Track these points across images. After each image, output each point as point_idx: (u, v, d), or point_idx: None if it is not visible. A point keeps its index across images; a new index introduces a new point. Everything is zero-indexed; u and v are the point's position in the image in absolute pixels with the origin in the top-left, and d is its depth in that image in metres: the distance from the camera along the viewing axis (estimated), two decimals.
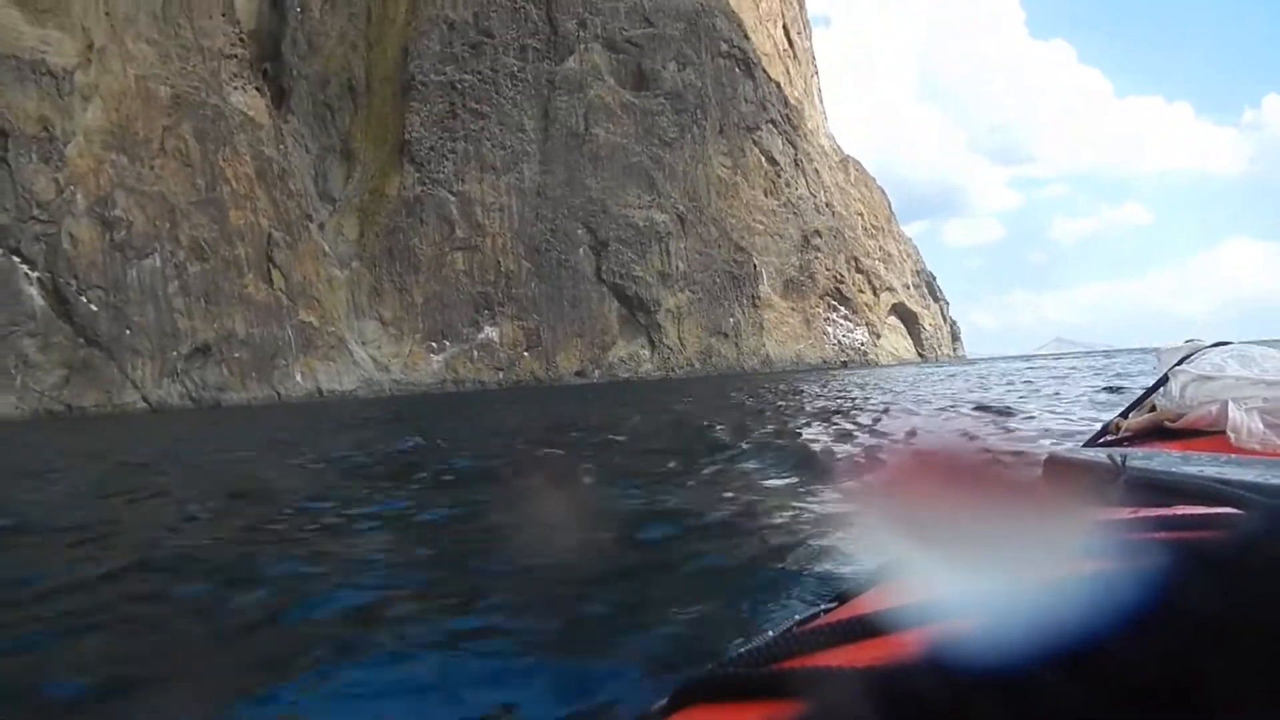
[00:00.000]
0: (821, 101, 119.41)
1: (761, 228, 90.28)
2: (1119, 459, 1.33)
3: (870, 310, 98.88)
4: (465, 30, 78.19)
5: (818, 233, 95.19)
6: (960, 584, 0.37)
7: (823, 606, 0.88)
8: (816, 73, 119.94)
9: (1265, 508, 0.77)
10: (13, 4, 49.04)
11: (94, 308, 49.03)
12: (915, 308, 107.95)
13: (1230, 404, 1.97)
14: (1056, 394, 14.59)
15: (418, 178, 73.41)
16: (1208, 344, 2.45)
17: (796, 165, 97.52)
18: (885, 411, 11.80)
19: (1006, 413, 10.37)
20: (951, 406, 13.34)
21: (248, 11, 71.99)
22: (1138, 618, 0.27)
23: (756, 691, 0.53)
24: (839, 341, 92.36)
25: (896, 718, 0.29)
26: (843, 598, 0.87)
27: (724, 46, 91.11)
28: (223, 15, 64.51)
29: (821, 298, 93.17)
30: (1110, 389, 14.10)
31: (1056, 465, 1.47)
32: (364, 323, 68.61)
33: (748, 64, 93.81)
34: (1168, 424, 2.17)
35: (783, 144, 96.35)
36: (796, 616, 0.88)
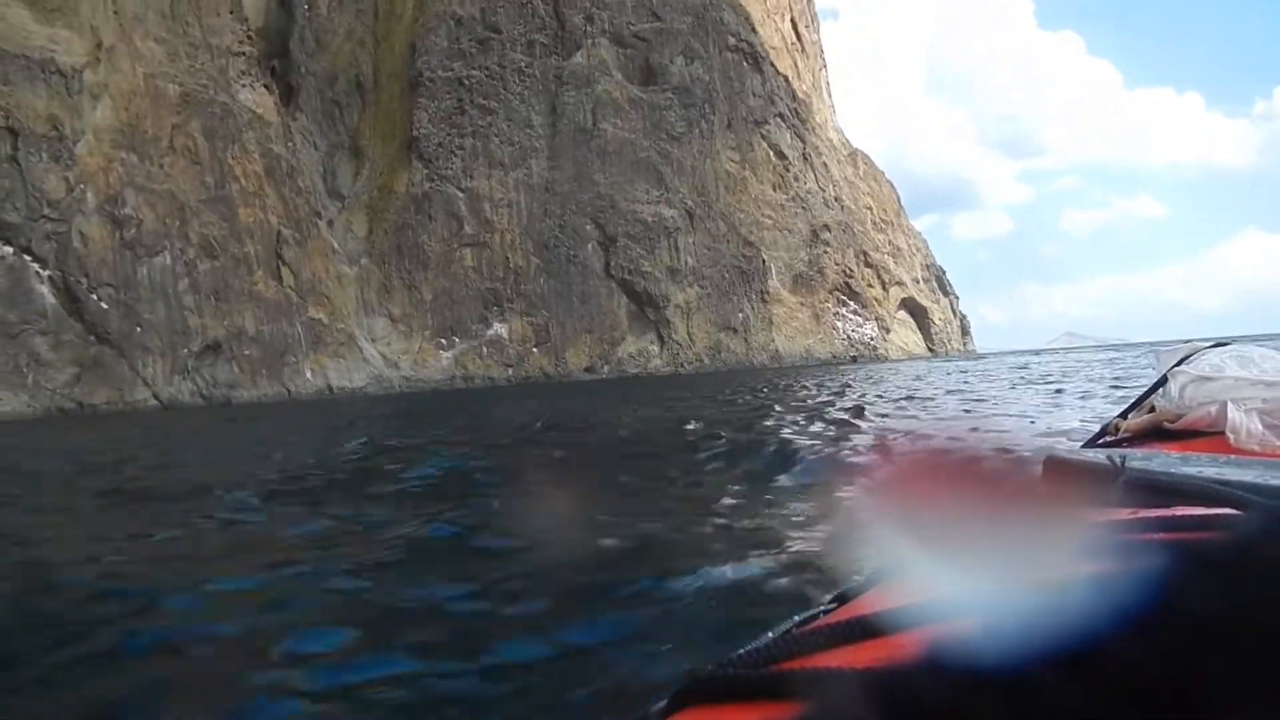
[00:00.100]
0: (830, 95, 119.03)
1: (770, 222, 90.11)
2: (1118, 460, 1.32)
3: (879, 305, 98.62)
4: (473, 26, 78.23)
5: (827, 227, 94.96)
6: (960, 585, 0.37)
7: (822, 607, 0.88)
8: (824, 66, 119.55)
9: (1264, 508, 0.78)
10: (21, 3, 49.27)
11: (105, 306, 49.32)
12: (925, 302, 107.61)
13: (1229, 405, 1.95)
14: (1059, 390, 14.50)
15: (426, 174, 73.55)
16: (1207, 345, 2.43)
17: (805, 159, 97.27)
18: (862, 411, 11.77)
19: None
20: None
21: (255, 9, 72.14)
22: (1137, 618, 0.27)
23: (756, 692, 0.53)
24: (848, 336, 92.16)
25: (896, 719, 0.29)
26: (842, 598, 0.87)
27: (731, 40, 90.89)
28: (230, 13, 64.68)
29: (831, 292, 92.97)
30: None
31: (1055, 466, 1.44)
32: (373, 319, 68.83)
33: (755, 58, 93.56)
34: (1167, 425, 2.15)
35: (791, 138, 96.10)
36: (796, 617, 0.88)
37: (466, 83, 76.63)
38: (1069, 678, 0.26)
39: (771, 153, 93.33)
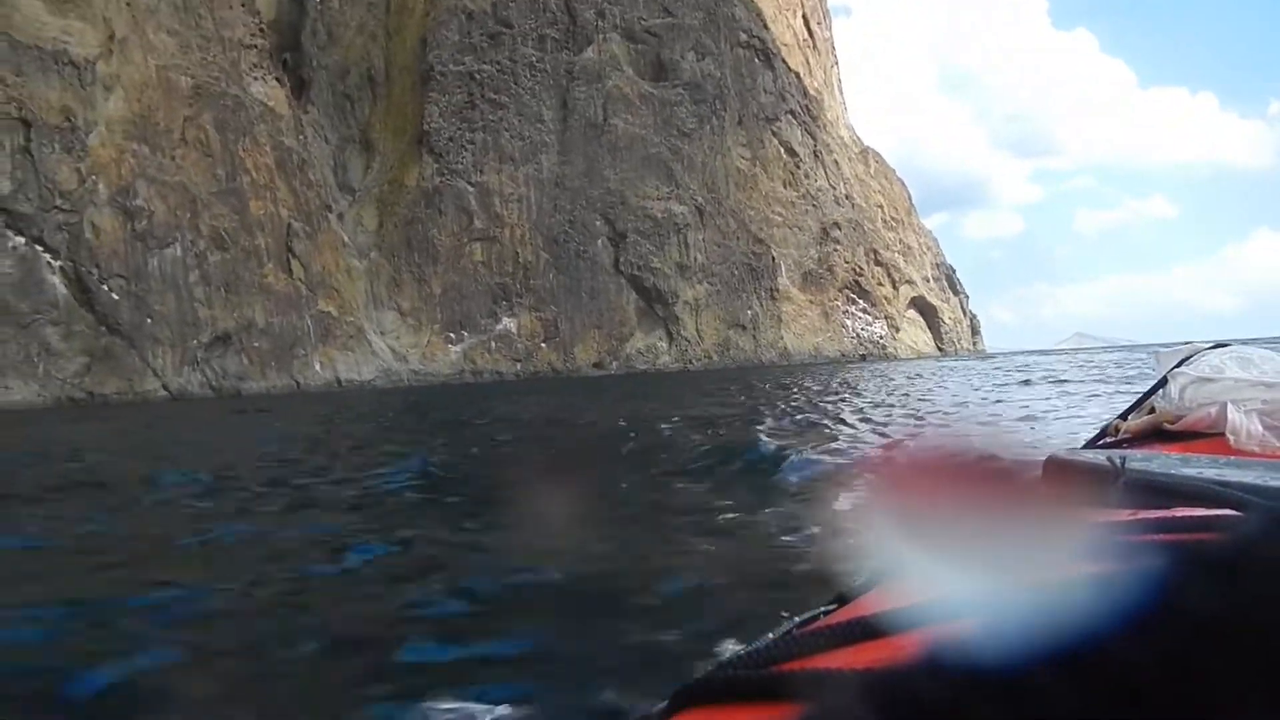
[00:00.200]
0: (841, 92, 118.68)
1: (780, 220, 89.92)
2: (1118, 460, 1.31)
3: (889, 303, 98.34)
4: (484, 20, 78.24)
5: (837, 225, 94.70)
6: (960, 585, 0.37)
7: (822, 608, 0.89)
8: (836, 63, 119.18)
9: (1264, 510, 0.75)
10: None
11: (115, 296, 49.57)
12: (935, 301, 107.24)
13: (1229, 406, 1.93)
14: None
15: (436, 168, 73.65)
16: (1207, 346, 2.41)
17: (816, 157, 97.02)
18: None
19: None
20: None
21: (267, 2, 72.30)
22: (1137, 619, 0.27)
23: (756, 693, 0.53)
24: (857, 335, 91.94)
25: None
26: (842, 599, 0.87)
27: (743, 36, 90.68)
28: (242, 5, 64.87)
29: (840, 290, 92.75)
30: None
31: (1055, 467, 1.45)
32: (382, 313, 69.01)
33: (767, 54, 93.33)
34: (1167, 426, 2.13)
35: (802, 135, 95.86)
36: (796, 618, 0.88)
37: (477, 77, 76.68)
38: (1069, 678, 0.26)
39: (782, 150, 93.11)
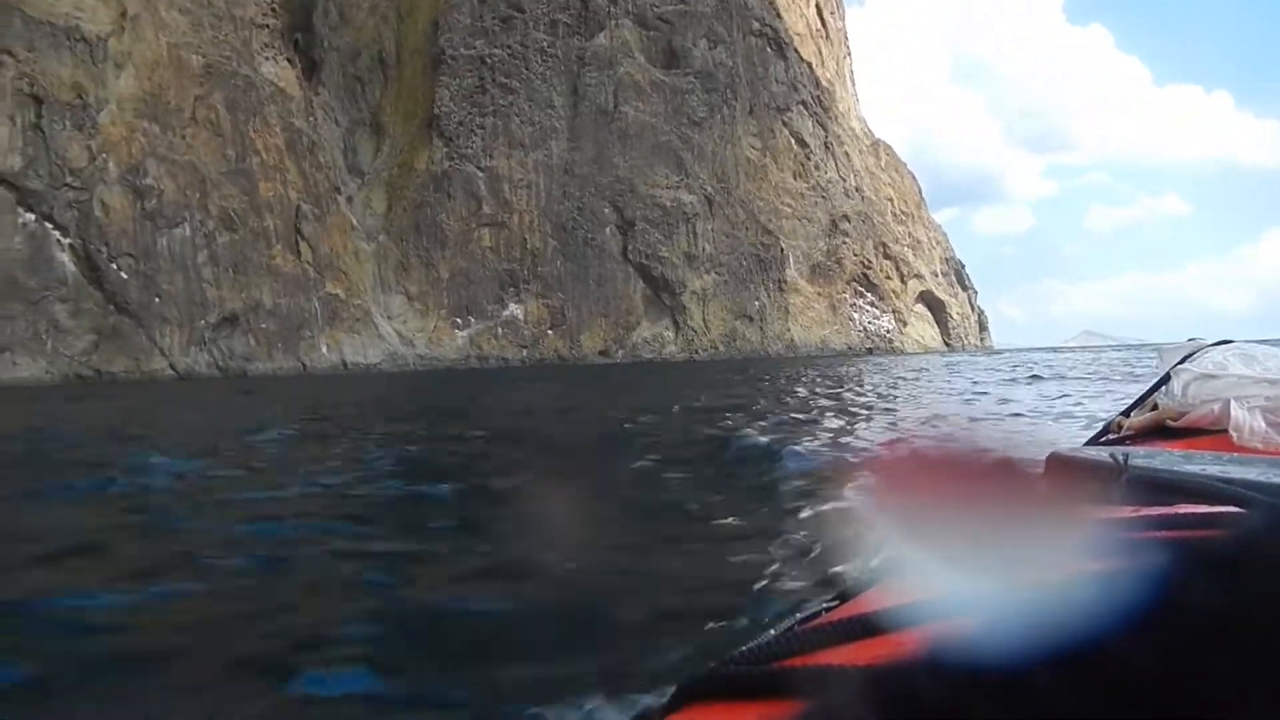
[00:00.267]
0: (853, 83, 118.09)
1: (789, 211, 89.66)
2: (1121, 457, 1.32)
3: (897, 297, 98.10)
4: (496, 4, 77.99)
5: (846, 217, 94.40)
6: (962, 583, 0.37)
7: (824, 605, 0.88)
8: (849, 54, 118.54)
9: (1267, 506, 0.77)
10: None
11: (124, 275, 49.74)
12: (943, 296, 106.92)
13: (1232, 403, 1.93)
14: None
15: (446, 152, 73.57)
16: (1210, 342, 2.40)
17: (827, 148, 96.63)
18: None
19: None
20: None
21: None
22: (1139, 617, 0.27)
23: (758, 690, 0.53)
24: (865, 328, 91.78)
25: (897, 717, 0.29)
26: (844, 596, 0.87)
27: (755, 25, 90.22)
28: None
29: (848, 283, 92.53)
30: None
31: (1058, 464, 1.45)
32: (390, 297, 69.10)
33: (779, 43, 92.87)
34: (1170, 423, 2.14)
35: (813, 126, 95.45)
36: (797, 615, 0.89)
37: (489, 61, 76.47)
38: (1070, 676, 0.26)
39: (793, 140, 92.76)
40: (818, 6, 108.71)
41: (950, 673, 0.29)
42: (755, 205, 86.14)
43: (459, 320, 70.80)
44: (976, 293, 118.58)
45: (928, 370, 28.82)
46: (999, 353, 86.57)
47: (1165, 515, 0.87)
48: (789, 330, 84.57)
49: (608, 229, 77.19)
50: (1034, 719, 0.26)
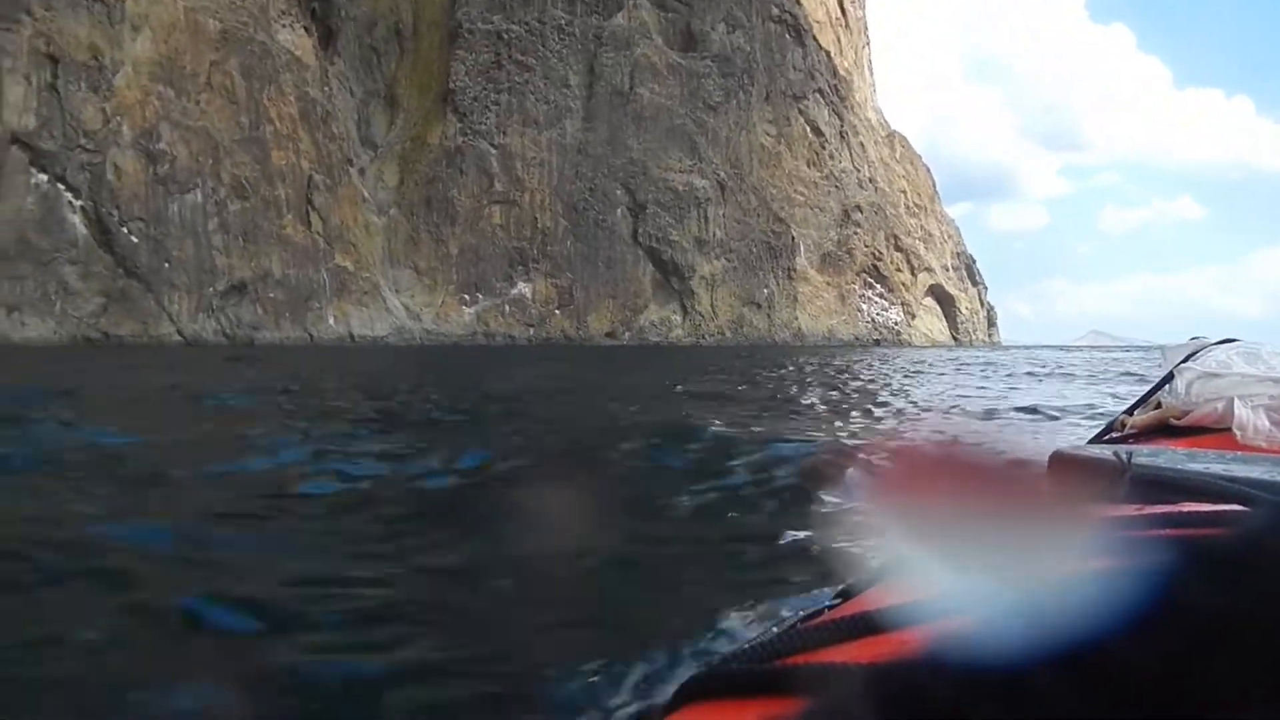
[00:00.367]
0: (871, 73, 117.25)
1: (802, 199, 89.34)
2: (1124, 456, 1.32)
3: (907, 290, 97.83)
4: None
5: (859, 208, 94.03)
6: (964, 581, 0.37)
7: (826, 603, 0.88)
8: (868, 43, 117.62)
9: (1271, 505, 0.78)
10: None
11: (134, 239, 49.82)
12: (953, 290, 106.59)
13: (1236, 401, 1.92)
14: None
15: (460, 128, 73.35)
16: (1214, 341, 2.39)
17: (842, 138, 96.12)
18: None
19: None
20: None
21: None
22: (1142, 615, 0.27)
23: (760, 687, 0.53)
24: (873, 319, 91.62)
25: (899, 715, 0.29)
26: (846, 594, 0.87)
27: (775, 11, 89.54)
28: None
29: (858, 274, 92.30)
30: None
31: (1061, 462, 1.44)
32: (399, 270, 69.12)
33: (798, 30, 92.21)
34: (1173, 421, 2.13)
35: (829, 115, 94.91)
36: (800, 613, 0.88)
37: (505, 37, 76.07)
38: (1072, 675, 0.26)
39: (808, 128, 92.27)
40: None
41: (952, 671, 0.29)
42: (768, 192, 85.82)
43: (467, 297, 70.83)
44: (986, 288, 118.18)
45: (934, 364, 28.75)
46: (1007, 349, 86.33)
47: (1169, 514, 0.87)
48: (796, 319, 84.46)
49: (619, 210, 77.01)
50: (1036, 718, 0.26)
